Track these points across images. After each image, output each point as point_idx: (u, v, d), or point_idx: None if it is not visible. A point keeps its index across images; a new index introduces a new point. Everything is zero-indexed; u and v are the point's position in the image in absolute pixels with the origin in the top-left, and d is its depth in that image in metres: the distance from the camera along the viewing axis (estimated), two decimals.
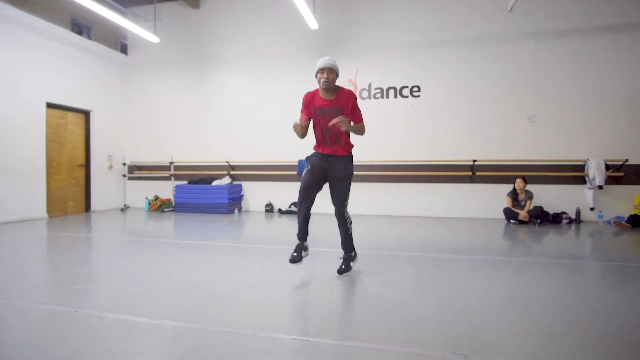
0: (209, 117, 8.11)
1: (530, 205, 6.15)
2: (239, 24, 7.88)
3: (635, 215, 5.90)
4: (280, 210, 7.57)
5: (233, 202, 7.56)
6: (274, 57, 7.72)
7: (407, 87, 7.16)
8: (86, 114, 7.72)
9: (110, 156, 8.16)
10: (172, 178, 8.05)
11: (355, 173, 3.18)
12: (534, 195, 6.22)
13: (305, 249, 3.13)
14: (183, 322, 2.17)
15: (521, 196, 6.27)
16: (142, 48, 8.44)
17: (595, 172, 6.20)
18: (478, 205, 6.84)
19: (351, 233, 3.16)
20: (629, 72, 6.25)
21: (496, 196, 6.71)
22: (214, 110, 8.08)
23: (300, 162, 7.40)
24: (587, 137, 6.43)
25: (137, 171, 8.44)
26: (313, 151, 3.17)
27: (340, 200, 3.06)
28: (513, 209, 6.20)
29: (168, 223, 6.34)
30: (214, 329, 2.08)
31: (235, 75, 7.99)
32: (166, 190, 8.23)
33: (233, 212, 7.48)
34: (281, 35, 7.66)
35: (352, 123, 2.94)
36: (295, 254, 3.02)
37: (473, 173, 6.79)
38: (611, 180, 6.34)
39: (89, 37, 7.66)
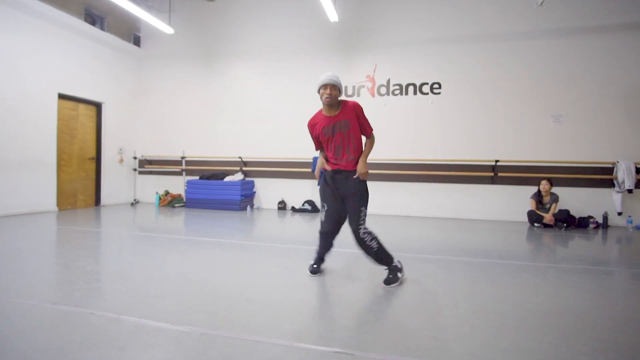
0: (222, 112, 7.94)
1: (555, 209, 5.90)
2: (254, 16, 7.69)
3: None
4: (293, 208, 7.38)
5: (245, 198, 7.38)
6: (290, 51, 7.52)
7: (427, 83, 6.93)
8: (98, 106, 7.57)
9: (121, 149, 8.01)
10: (184, 173, 7.89)
11: (371, 172, 3.00)
12: (559, 198, 5.97)
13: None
14: (210, 328, 1.98)
15: (546, 199, 6.02)
16: (155, 40, 8.28)
17: (625, 175, 5.93)
18: (499, 207, 6.60)
19: (377, 249, 2.82)
20: None
21: (518, 198, 6.47)
22: (227, 105, 7.91)
23: (314, 159, 7.19)
24: (616, 138, 6.16)
25: (147, 165, 8.29)
26: (326, 170, 2.95)
27: (351, 218, 2.81)
28: (537, 211, 5.96)
29: (179, 219, 6.17)
30: (245, 337, 1.89)
31: (250, 69, 7.81)
32: (177, 185, 8.07)
33: (245, 209, 7.30)
34: (297, 28, 7.46)
35: (361, 169, 2.81)
36: (315, 265, 3.09)
37: (495, 174, 6.55)
38: (637, 184, 6.06)
39: (102, 28, 7.51)
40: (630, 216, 6.03)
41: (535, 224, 5.97)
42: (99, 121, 7.59)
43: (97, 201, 7.57)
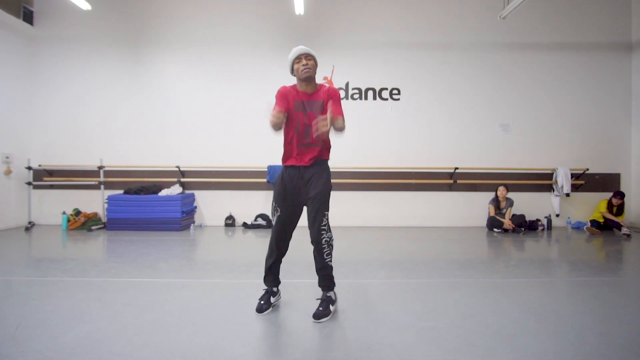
0: (153, 112, 6.61)
1: (510, 213, 6.17)
2: None
3: (595, 220, 6.30)
4: (245, 224, 6.46)
5: (187, 215, 6.22)
6: (238, 43, 6.62)
7: (386, 89, 6.72)
8: None
9: (7, 157, 6.10)
10: (102, 187, 6.33)
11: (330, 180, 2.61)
12: (514, 203, 6.26)
13: (275, 293, 2.68)
14: None
15: (503, 204, 6.26)
16: (55, 18, 6.56)
17: (564, 181, 6.50)
18: (458, 213, 6.68)
19: (331, 263, 2.51)
20: (594, 89, 6.71)
21: (474, 204, 6.65)
22: (160, 104, 6.61)
23: (270, 167, 6.41)
24: (555, 146, 6.73)
25: (48, 178, 6.47)
26: (280, 167, 2.59)
27: (317, 222, 2.45)
28: (497, 217, 6.15)
29: (98, 248, 4.87)
30: None
31: (191, 62, 6.65)
32: (91, 202, 6.45)
33: (188, 228, 6.15)
34: (248, 18, 6.61)
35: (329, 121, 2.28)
36: (262, 302, 2.56)
37: (454, 181, 6.61)
38: (571, 188, 6.70)
39: None
40: (569, 217, 6.62)
41: (495, 230, 6.15)
42: None
43: None
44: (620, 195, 6.13)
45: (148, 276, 3.45)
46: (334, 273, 2.59)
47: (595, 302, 2.81)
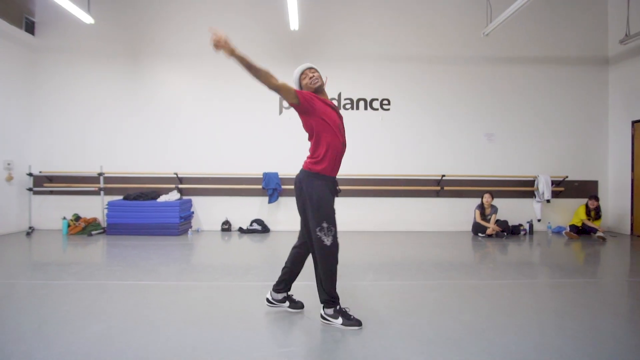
0: (152, 120, 6.82)
1: (494, 219, 6.50)
2: (197, 13, 6.82)
3: (574, 225, 6.64)
4: (241, 229, 6.69)
5: (185, 221, 6.43)
6: None
7: (377, 99, 7.03)
8: None
9: (9, 164, 6.25)
10: (102, 193, 6.51)
11: None
12: (498, 210, 6.59)
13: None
14: None
15: (487, 210, 6.59)
16: (56, 29, 6.74)
17: (545, 187, 6.86)
18: (444, 219, 6.99)
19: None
20: (573, 101, 7.10)
21: (460, 210, 6.97)
22: (159, 113, 6.82)
23: (265, 175, 6.66)
24: (537, 155, 7.09)
25: (48, 184, 6.64)
26: (315, 176, 2.56)
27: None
28: (482, 222, 6.47)
29: (98, 251, 5.08)
30: None
31: (189, 72, 6.89)
32: (91, 207, 6.62)
33: (186, 233, 6.36)
34: (246, 31, 6.84)
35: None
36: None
37: (441, 188, 6.93)
38: (552, 194, 7.06)
39: None
40: (549, 222, 6.98)
41: (480, 235, 6.47)
42: None
43: None
44: (595, 198, 6.49)
45: (152, 279, 3.68)
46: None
47: (559, 302, 3.12)
